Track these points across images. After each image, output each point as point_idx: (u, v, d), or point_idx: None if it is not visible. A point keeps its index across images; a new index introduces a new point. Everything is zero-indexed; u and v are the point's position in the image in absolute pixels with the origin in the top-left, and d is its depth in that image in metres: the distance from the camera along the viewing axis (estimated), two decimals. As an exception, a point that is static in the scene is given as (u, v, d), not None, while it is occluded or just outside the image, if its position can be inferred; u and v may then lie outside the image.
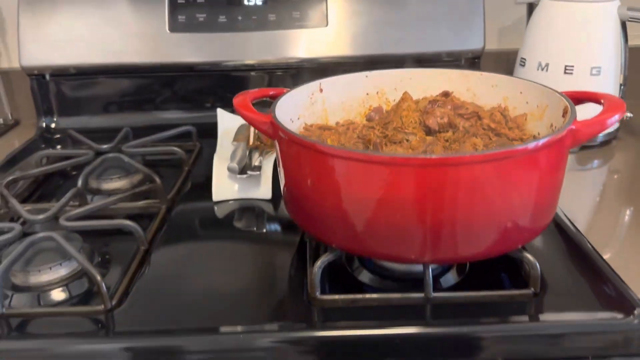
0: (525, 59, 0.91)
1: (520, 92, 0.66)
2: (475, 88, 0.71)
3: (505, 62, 1.07)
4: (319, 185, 0.52)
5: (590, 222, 0.72)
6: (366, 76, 0.73)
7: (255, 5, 0.94)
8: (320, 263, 0.54)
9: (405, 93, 0.70)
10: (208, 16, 0.93)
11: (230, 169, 0.74)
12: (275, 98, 0.66)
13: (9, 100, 1.11)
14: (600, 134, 0.92)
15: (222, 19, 0.94)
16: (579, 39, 0.85)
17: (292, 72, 0.98)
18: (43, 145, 0.98)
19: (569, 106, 0.56)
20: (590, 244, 0.62)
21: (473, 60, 0.98)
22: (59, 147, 0.97)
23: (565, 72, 0.86)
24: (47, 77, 0.98)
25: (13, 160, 0.92)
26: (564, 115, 0.57)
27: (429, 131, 0.68)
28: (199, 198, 0.77)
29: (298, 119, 0.68)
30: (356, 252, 0.55)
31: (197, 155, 0.91)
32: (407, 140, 0.66)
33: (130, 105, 1.00)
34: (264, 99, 0.67)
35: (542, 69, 0.87)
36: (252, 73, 0.98)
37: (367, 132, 0.68)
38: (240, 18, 0.94)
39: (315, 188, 0.53)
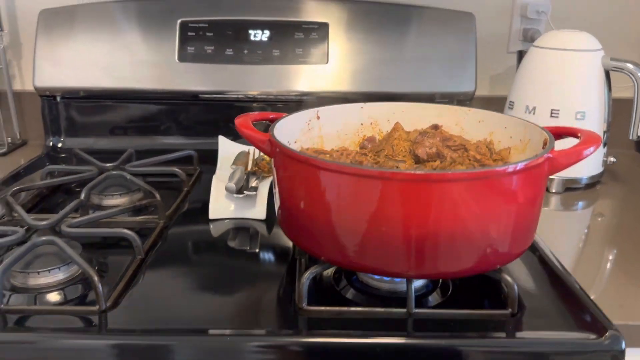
0: (513, 102, 0.95)
1: (505, 127, 0.70)
2: (464, 123, 0.75)
3: (495, 107, 1.12)
4: (310, 198, 0.55)
5: (573, 262, 0.74)
6: (361, 107, 0.78)
7: (261, 40, 0.99)
8: (308, 274, 0.57)
9: (397, 123, 0.74)
10: (216, 49, 0.99)
11: (228, 189, 0.78)
12: (274, 121, 0.71)
13: (19, 120, 1.16)
14: (585, 177, 0.95)
15: (229, 51, 0.99)
16: (565, 85, 0.90)
17: (293, 105, 1.02)
18: (48, 163, 1.01)
19: (548, 138, 0.60)
20: (566, 269, 0.64)
21: (464, 103, 1.03)
22: (64, 165, 1.00)
23: (551, 116, 0.90)
24: (58, 98, 1.03)
25: (17, 175, 0.95)
26: (544, 147, 0.61)
27: (418, 160, 0.72)
28: (196, 217, 0.79)
29: (295, 142, 0.72)
30: (343, 265, 0.58)
31: (196, 178, 0.94)
32: (397, 167, 0.70)
33: (135, 129, 1.04)
34: (265, 121, 0.71)
35: (530, 112, 0.92)
36: (254, 104, 1.03)
37: (360, 158, 0.72)
38: (246, 52, 0.99)
39: (307, 201, 0.56)
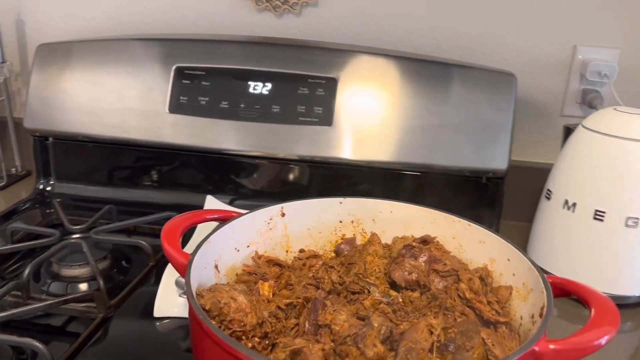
0: (551, 192, 0.78)
1: (508, 260, 0.55)
2: (462, 238, 0.60)
3: (535, 180, 0.92)
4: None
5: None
6: (340, 202, 0.64)
7: (260, 94, 0.87)
8: None
9: (373, 235, 0.61)
10: (210, 100, 0.88)
11: (177, 284, 0.67)
12: (224, 220, 0.59)
13: (22, 150, 1.11)
14: (636, 294, 0.76)
15: (224, 104, 0.88)
16: (615, 182, 0.71)
17: (291, 167, 0.90)
18: (37, 205, 0.96)
19: (545, 307, 0.44)
20: None
21: (496, 180, 0.86)
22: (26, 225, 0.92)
23: (594, 218, 0.72)
24: (50, 139, 0.96)
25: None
26: (540, 316, 0.45)
27: (393, 285, 0.57)
28: (146, 308, 0.69)
29: (247, 246, 0.60)
30: None
31: (175, 244, 0.84)
32: (368, 292, 0.57)
33: (124, 179, 0.96)
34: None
35: (569, 209, 0.74)
36: (250, 160, 0.91)
37: (324, 275, 0.59)
38: (242, 106, 0.87)
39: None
